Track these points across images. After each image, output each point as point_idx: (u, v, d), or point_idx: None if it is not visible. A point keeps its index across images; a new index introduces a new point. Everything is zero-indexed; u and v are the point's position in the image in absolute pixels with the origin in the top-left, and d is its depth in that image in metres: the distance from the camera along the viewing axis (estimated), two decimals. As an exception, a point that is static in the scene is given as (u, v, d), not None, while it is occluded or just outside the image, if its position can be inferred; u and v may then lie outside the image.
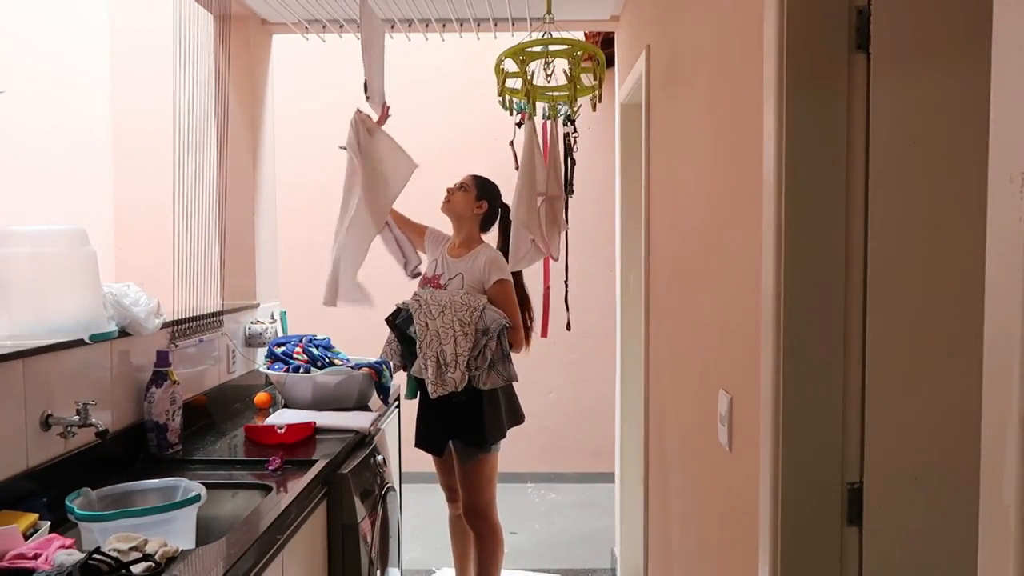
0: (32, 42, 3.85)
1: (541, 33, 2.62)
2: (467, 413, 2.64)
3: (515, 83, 2.61)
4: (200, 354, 2.54)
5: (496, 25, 3.32)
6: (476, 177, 2.89)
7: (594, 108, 2.62)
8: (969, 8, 1.10)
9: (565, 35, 2.54)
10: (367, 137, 2.58)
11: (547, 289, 3.10)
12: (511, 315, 2.71)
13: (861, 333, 1.16)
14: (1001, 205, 0.57)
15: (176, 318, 2.37)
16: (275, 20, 3.30)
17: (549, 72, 2.56)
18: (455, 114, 4.87)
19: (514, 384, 2.76)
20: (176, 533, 1.53)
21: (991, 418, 0.59)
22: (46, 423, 1.73)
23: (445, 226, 2.96)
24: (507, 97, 2.60)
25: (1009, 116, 0.56)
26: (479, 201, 2.85)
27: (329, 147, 4.75)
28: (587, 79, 2.63)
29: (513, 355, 2.72)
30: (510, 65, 2.55)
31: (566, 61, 2.54)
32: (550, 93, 2.65)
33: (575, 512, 4.46)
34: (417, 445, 2.81)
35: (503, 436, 2.75)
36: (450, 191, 2.88)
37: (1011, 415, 0.56)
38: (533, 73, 2.57)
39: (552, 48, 2.49)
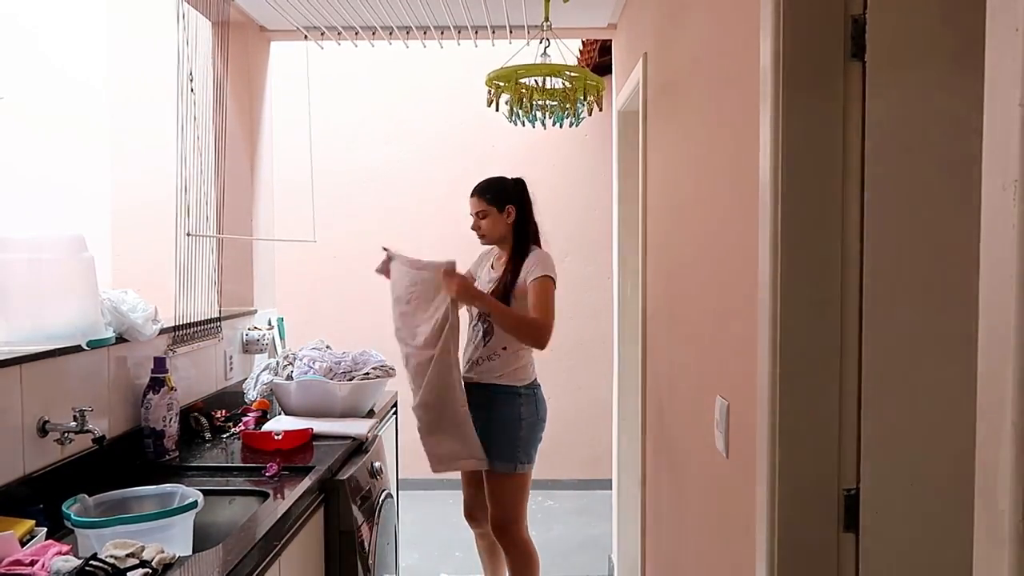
0: (30, 47, 3.85)
1: (539, 41, 2.64)
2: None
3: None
4: (197, 360, 2.54)
5: (494, 33, 3.34)
6: (482, 192, 2.72)
7: (590, 112, 2.62)
8: (963, 17, 1.11)
9: (559, 51, 2.54)
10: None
11: None
12: (537, 312, 2.57)
13: (857, 339, 1.17)
14: (994, 212, 0.58)
15: (174, 324, 2.37)
16: (274, 27, 3.31)
17: (542, 84, 2.58)
18: (451, 122, 4.87)
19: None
20: (173, 540, 1.53)
21: (986, 423, 0.59)
22: (43, 429, 1.73)
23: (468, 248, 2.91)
24: (497, 99, 2.59)
25: (1001, 124, 0.56)
26: (505, 210, 2.70)
27: (327, 154, 4.77)
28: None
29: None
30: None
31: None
32: (547, 101, 2.65)
33: (572, 519, 4.45)
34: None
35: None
36: (475, 227, 2.73)
37: (1005, 420, 0.56)
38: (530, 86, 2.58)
39: (543, 68, 2.49)
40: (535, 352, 2.71)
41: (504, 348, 2.66)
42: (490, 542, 2.91)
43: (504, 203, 2.70)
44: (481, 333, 2.70)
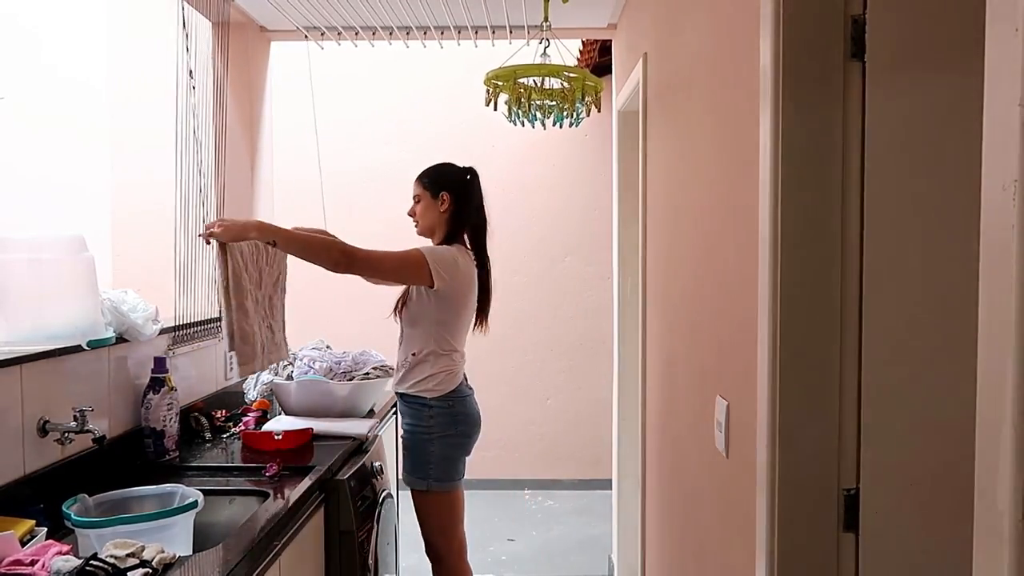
0: (30, 47, 3.85)
1: (539, 41, 2.64)
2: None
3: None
4: (197, 360, 2.54)
5: (494, 33, 3.34)
6: (420, 175, 2.50)
7: (588, 113, 2.62)
8: (963, 17, 1.11)
9: (559, 52, 2.54)
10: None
11: None
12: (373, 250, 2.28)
13: (857, 339, 1.17)
14: (994, 212, 0.58)
15: (174, 324, 2.37)
16: (274, 27, 3.31)
17: (540, 84, 2.58)
18: (451, 122, 4.87)
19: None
20: (173, 539, 1.53)
21: (985, 423, 0.59)
22: (43, 429, 1.73)
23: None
24: (496, 98, 2.59)
25: (1001, 125, 0.56)
26: (438, 196, 2.45)
27: (327, 154, 4.77)
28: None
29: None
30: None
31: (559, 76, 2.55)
32: (545, 101, 2.65)
33: (572, 519, 4.45)
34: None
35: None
36: (411, 213, 2.52)
37: (1005, 420, 0.56)
38: (528, 85, 2.59)
39: (542, 69, 2.49)
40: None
41: (413, 354, 2.45)
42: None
43: (439, 189, 2.45)
44: (399, 333, 2.53)
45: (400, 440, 2.57)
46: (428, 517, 2.51)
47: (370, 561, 2.21)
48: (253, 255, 2.15)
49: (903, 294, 1.15)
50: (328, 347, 2.84)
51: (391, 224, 4.78)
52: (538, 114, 2.64)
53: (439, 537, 2.53)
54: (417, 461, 2.47)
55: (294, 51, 3.70)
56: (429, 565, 2.78)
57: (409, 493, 2.59)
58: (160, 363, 2.15)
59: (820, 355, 1.18)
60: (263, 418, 2.52)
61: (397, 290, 2.57)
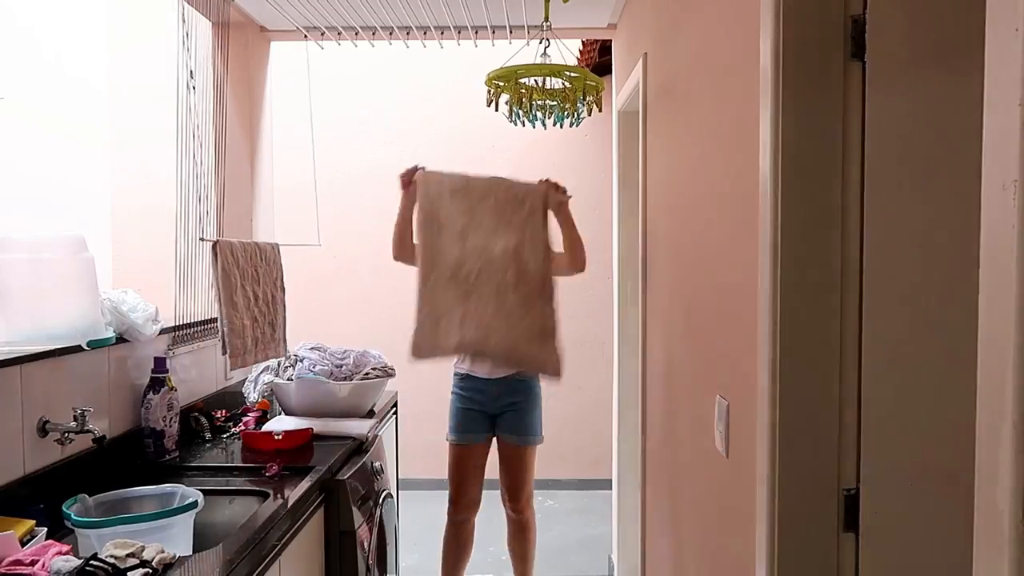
0: (30, 46, 3.85)
1: (539, 41, 2.64)
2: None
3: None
4: (197, 360, 2.54)
5: (494, 33, 3.34)
6: None
7: (589, 113, 2.62)
8: (963, 17, 1.11)
9: (559, 51, 2.54)
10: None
11: None
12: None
13: (857, 339, 1.17)
14: (994, 212, 0.58)
15: (174, 324, 2.37)
16: (274, 27, 3.31)
17: (542, 84, 2.58)
18: (451, 122, 4.87)
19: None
20: (173, 539, 1.53)
21: (985, 423, 0.59)
22: (43, 429, 1.73)
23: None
24: (497, 99, 2.59)
25: (1001, 124, 0.56)
26: None
27: (328, 154, 4.78)
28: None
29: None
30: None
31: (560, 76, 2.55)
32: (547, 101, 2.65)
33: (572, 519, 4.45)
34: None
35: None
36: None
37: (1005, 420, 0.56)
38: (530, 85, 2.58)
39: (543, 69, 2.49)
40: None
41: None
42: (471, 529, 3.03)
43: None
44: None
45: (516, 411, 2.88)
46: (532, 466, 2.96)
47: (370, 561, 2.21)
48: (247, 252, 2.39)
49: (903, 293, 1.15)
50: (316, 348, 2.84)
51: (389, 223, 4.80)
52: (539, 114, 2.64)
53: (531, 482, 2.99)
54: (537, 420, 2.92)
55: (294, 51, 3.70)
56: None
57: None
58: (160, 363, 2.16)
59: (820, 355, 1.18)
60: (263, 418, 2.52)
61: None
